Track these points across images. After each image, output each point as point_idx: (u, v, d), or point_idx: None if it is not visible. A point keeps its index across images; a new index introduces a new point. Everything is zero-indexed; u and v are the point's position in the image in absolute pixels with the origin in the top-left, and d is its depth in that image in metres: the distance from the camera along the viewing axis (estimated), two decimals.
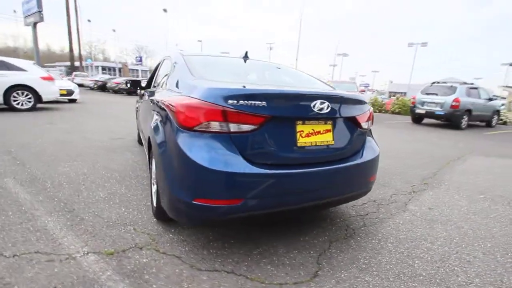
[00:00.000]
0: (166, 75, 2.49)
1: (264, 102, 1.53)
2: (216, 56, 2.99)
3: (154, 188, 2.13)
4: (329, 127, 1.78)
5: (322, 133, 1.73)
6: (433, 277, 1.67)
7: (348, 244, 1.99)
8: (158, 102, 2.05)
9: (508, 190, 3.38)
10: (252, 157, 1.53)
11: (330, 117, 1.78)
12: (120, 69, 46.95)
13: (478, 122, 10.73)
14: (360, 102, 1.96)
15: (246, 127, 1.50)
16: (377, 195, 2.92)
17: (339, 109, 1.81)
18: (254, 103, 1.51)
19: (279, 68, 2.81)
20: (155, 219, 2.15)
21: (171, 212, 1.73)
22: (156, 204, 2.00)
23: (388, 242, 2.05)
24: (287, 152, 1.63)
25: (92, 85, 23.38)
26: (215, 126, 1.48)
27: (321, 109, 1.68)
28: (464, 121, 9.34)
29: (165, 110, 1.77)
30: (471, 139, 7.51)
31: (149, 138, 2.16)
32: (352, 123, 1.91)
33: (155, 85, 3.08)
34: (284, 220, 2.25)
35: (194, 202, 1.52)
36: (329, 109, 1.71)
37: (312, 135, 1.70)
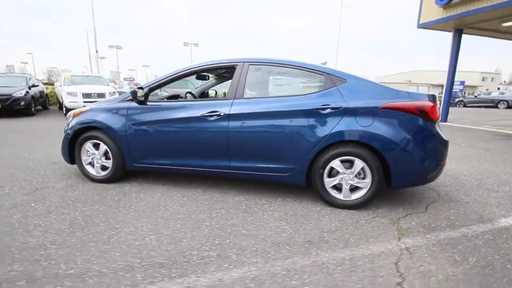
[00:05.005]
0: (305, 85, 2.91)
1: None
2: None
3: (368, 184, 2.32)
4: None
5: None
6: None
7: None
8: (381, 109, 2.24)
9: None
10: None
11: None
12: None
13: None
14: None
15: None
16: None
17: None
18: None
19: None
20: (355, 211, 2.36)
21: (422, 179, 2.38)
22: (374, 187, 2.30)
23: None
24: None
25: None
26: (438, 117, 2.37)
27: None
28: None
29: (406, 112, 2.23)
30: None
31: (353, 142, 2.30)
32: None
33: (250, 96, 2.70)
34: None
35: (441, 164, 2.36)
36: None
37: None
